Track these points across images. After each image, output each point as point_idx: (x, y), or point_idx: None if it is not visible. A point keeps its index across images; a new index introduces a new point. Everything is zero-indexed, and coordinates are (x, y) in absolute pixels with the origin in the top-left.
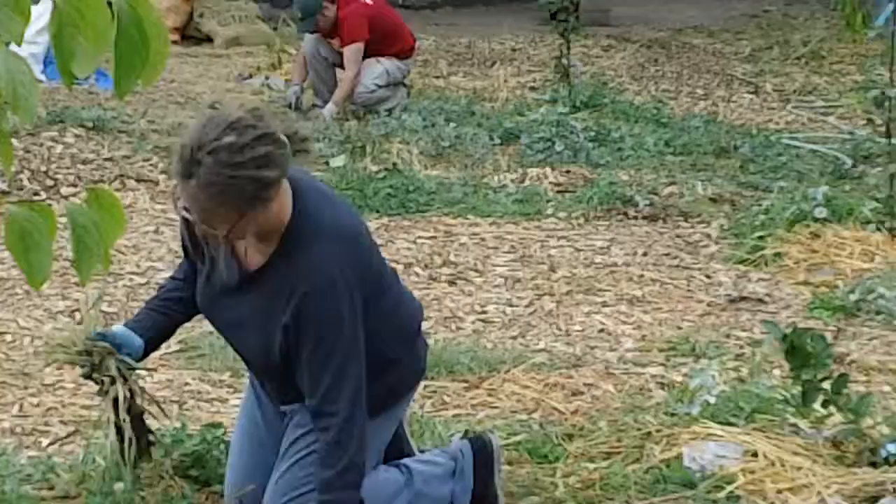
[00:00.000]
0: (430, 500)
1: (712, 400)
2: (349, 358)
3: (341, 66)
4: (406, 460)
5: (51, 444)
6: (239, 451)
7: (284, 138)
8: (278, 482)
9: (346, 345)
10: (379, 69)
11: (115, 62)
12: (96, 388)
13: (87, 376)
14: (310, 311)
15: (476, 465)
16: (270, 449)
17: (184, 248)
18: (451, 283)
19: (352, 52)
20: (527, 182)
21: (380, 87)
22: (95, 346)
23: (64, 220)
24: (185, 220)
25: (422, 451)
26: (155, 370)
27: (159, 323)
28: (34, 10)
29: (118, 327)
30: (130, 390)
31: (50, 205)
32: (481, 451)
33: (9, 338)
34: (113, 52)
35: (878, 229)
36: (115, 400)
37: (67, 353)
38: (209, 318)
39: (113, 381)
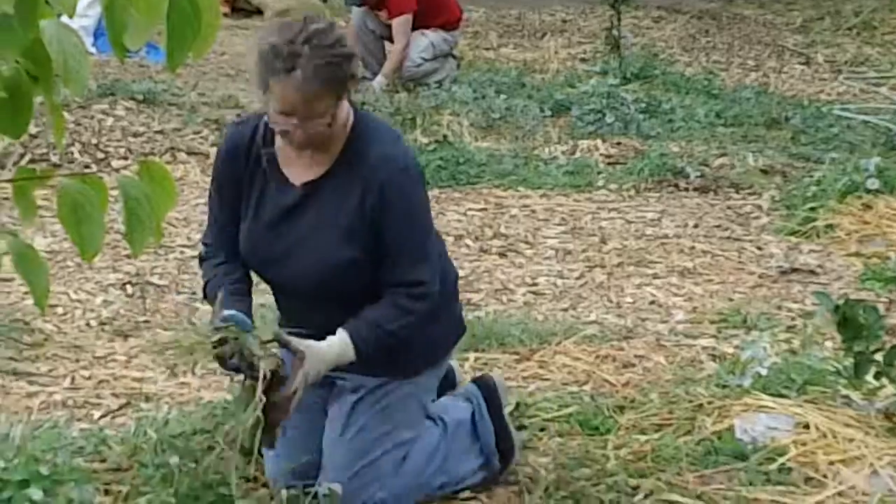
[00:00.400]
0: (462, 443)
1: (764, 372)
2: (431, 238)
3: (389, 39)
4: (437, 410)
5: (102, 416)
6: None
7: None
8: (348, 448)
9: (429, 226)
10: (424, 42)
11: (167, 35)
12: (233, 373)
13: (230, 364)
14: (392, 194)
15: (487, 403)
16: (316, 417)
17: (220, 194)
18: (502, 255)
19: (400, 23)
20: (577, 154)
21: (426, 60)
22: (229, 331)
23: (115, 192)
24: (228, 158)
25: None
26: None
27: (249, 302)
28: None
29: (231, 311)
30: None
31: (101, 178)
32: (487, 388)
33: (60, 310)
34: (165, 24)
35: None
36: (264, 376)
37: (204, 346)
38: (257, 258)
39: (257, 360)
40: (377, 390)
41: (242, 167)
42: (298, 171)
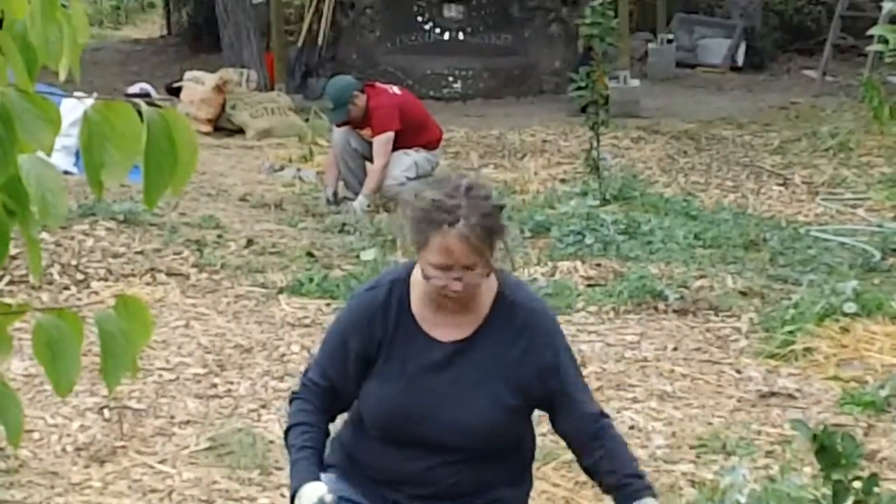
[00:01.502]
0: None
1: (743, 500)
2: None
3: (370, 158)
4: None
5: None
6: None
7: None
8: None
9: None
10: (408, 161)
11: (144, 173)
12: None
13: None
14: (556, 340)
15: None
16: None
17: (344, 355)
18: None
19: (381, 142)
20: (557, 275)
21: (410, 179)
22: None
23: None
24: (362, 323)
25: None
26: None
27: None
28: (67, 102)
29: (319, 487)
30: None
31: (77, 312)
32: None
33: (36, 435)
34: (142, 162)
35: None
36: None
37: None
38: (395, 417)
39: None
40: None
41: (379, 332)
42: (442, 331)
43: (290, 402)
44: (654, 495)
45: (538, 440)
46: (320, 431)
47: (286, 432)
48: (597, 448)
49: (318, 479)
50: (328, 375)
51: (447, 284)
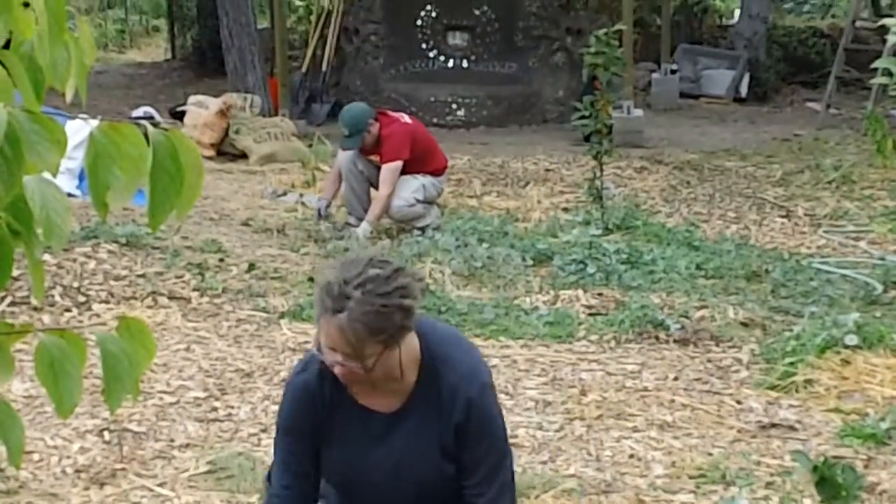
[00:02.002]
0: None
1: None
2: (508, 449)
3: (375, 184)
4: None
5: None
6: None
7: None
8: None
9: (505, 437)
10: (416, 183)
11: (150, 195)
12: None
13: None
14: (479, 414)
15: None
16: None
17: (298, 444)
18: None
19: (390, 171)
20: (559, 304)
21: (418, 201)
22: None
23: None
24: (301, 408)
25: None
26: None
27: None
28: (71, 125)
29: None
30: None
31: (80, 333)
32: None
33: (36, 457)
34: (148, 184)
35: None
36: None
37: None
38: (359, 479)
39: None
40: None
41: (319, 413)
42: (375, 401)
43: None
44: None
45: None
46: None
47: None
48: None
49: None
50: (291, 472)
51: (333, 366)
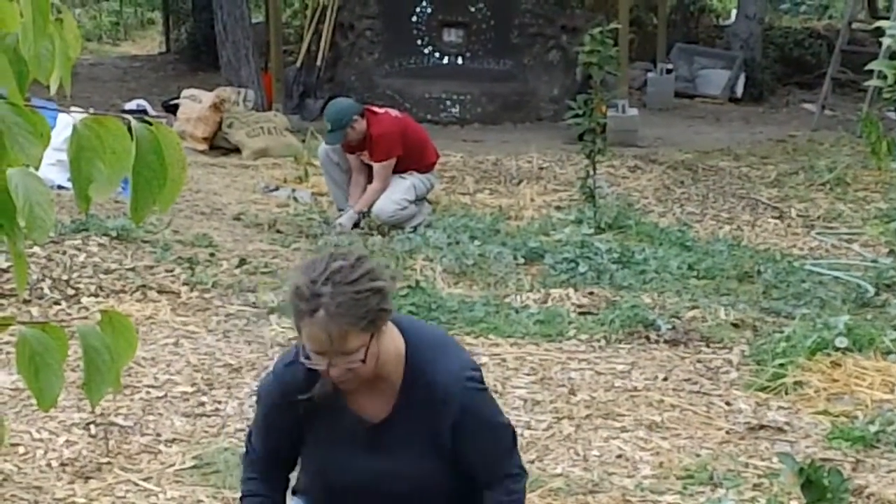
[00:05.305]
0: None
1: None
2: (511, 433)
3: (348, 171)
4: None
5: None
6: None
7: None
8: None
9: (506, 422)
10: (406, 184)
11: (132, 188)
12: None
13: None
14: (470, 413)
15: None
16: None
17: (271, 434)
18: None
19: (384, 167)
20: (549, 303)
21: (410, 202)
22: None
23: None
24: (284, 402)
25: None
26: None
27: None
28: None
29: None
30: None
31: (61, 326)
32: None
33: (21, 450)
34: (131, 177)
35: None
36: None
37: None
38: (340, 484)
39: None
40: None
41: (301, 408)
42: (366, 403)
43: (243, 499)
44: None
45: (526, 467)
46: (270, 500)
47: (240, 501)
48: None
49: None
50: (266, 446)
51: (327, 370)
